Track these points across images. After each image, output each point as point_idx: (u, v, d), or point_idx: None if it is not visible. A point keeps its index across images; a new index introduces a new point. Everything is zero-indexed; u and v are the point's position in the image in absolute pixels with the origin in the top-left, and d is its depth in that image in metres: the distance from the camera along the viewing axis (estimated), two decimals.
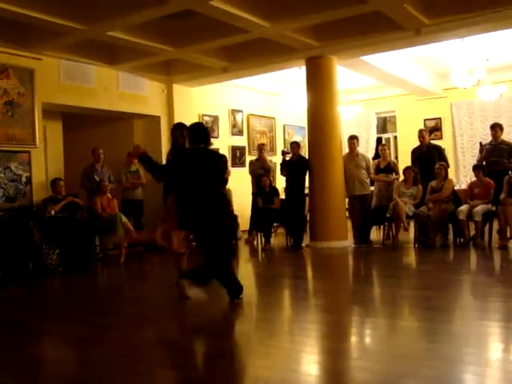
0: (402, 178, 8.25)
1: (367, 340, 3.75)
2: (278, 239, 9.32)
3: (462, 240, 7.50)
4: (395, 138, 13.10)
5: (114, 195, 8.17)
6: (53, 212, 7.15)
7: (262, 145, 9.64)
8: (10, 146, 7.30)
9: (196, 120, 10.21)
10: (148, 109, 9.30)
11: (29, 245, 6.62)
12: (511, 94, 10.84)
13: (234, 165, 10.98)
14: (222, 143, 10.81)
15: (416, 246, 7.68)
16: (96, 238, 7.81)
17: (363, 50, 8.08)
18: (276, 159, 10.30)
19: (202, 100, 10.26)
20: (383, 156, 8.63)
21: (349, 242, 8.24)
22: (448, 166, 8.21)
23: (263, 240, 8.57)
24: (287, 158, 8.64)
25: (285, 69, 9.29)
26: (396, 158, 12.02)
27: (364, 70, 9.54)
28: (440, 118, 12.19)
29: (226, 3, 6.07)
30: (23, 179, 7.46)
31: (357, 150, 8.52)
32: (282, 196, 8.88)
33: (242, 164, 10.99)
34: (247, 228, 9.04)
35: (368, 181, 8.46)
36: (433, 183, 7.74)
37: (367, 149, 12.56)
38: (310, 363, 3.25)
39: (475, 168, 7.80)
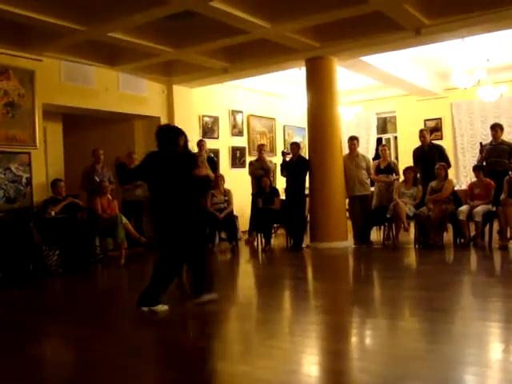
0: (402, 178, 8.25)
1: (368, 341, 3.75)
2: (279, 240, 9.32)
3: (462, 240, 7.50)
4: (395, 138, 13.10)
5: (115, 196, 8.16)
6: (53, 213, 7.15)
7: (262, 145, 9.64)
8: (11, 147, 7.31)
9: (196, 121, 10.25)
10: (148, 110, 9.31)
11: (29, 246, 6.62)
12: (511, 94, 10.84)
13: (233, 165, 11.02)
14: (222, 144, 10.83)
15: (416, 246, 7.68)
16: (96, 239, 7.81)
17: (363, 51, 8.08)
18: (276, 160, 10.31)
19: (202, 101, 10.27)
20: (383, 156, 8.63)
21: (349, 243, 8.24)
22: (449, 166, 8.22)
23: (263, 241, 8.58)
24: (287, 159, 8.64)
25: (285, 69, 9.30)
26: (396, 158, 12.02)
27: (364, 70, 9.55)
28: (440, 119, 12.19)
29: (226, 4, 6.08)
30: (23, 180, 7.46)
31: (357, 151, 8.52)
32: (282, 197, 8.88)
33: (242, 165, 10.99)
34: (247, 229, 9.04)
35: (368, 181, 8.46)
36: (433, 183, 7.74)
37: (367, 149, 12.56)
38: (311, 364, 3.25)
39: (475, 168, 7.80)
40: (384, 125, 13.56)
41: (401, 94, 12.10)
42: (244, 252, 8.53)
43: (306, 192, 8.55)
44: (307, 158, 8.56)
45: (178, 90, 9.65)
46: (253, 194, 9.09)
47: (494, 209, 7.24)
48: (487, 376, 2.82)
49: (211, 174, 4.93)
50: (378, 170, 8.49)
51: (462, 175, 11.78)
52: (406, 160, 9.94)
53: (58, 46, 7.38)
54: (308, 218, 8.65)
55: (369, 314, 4.34)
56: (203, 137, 9.99)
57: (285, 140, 12.35)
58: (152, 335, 3.97)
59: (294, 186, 8.44)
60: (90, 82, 8.35)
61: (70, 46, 7.40)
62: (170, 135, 4.75)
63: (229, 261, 8.05)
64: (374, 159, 9.55)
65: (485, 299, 4.65)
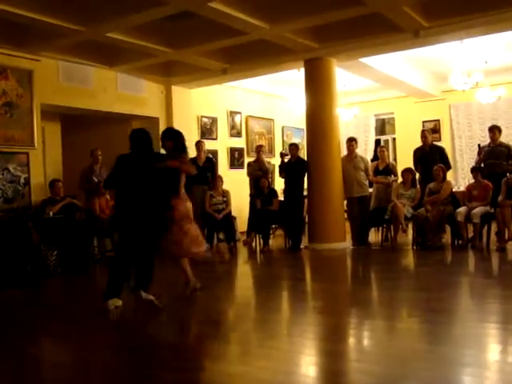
0: (400, 179, 8.26)
1: (366, 342, 3.75)
2: (277, 241, 9.32)
3: (460, 242, 7.51)
4: (394, 139, 13.11)
5: (113, 197, 8.15)
6: (51, 213, 7.14)
7: (261, 146, 9.63)
8: (9, 147, 7.30)
9: (195, 122, 10.25)
10: (147, 110, 9.31)
11: (27, 246, 6.61)
12: (510, 96, 10.85)
13: (232, 166, 11.01)
14: (221, 145, 10.83)
15: (414, 247, 7.69)
16: (94, 240, 7.80)
17: (362, 52, 8.09)
18: (274, 161, 10.31)
19: (200, 101, 10.27)
20: (382, 158, 8.64)
21: (347, 244, 8.24)
22: (450, 168, 8.23)
23: (262, 241, 8.58)
24: (286, 160, 8.64)
25: (283, 70, 9.30)
26: (394, 159, 12.02)
27: (363, 71, 9.55)
28: (438, 120, 12.20)
29: (225, 5, 6.08)
30: (22, 180, 7.45)
31: (355, 152, 8.53)
32: (281, 198, 8.88)
33: (241, 166, 10.99)
34: (245, 229, 9.04)
35: (366, 182, 8.47)
36: (431, 185, 7.75)
37: (366, 151, 12.57)
38: (309, 365, 3.25)
39: (473, 170, 7.81)
40: (382, 126, 13.57)
41: (399, 95, 12.11)
42: (242, 253, 8.53)
43: (305, 193, 8.55)
44: (306, 159, 8.57)
45: (177, 90, 9.65)
46: (251, 195, 9.09)
47: (492, 210, 7.26)
48: (485, 377, 2.82)
49: (185, 168, 4.92)
50: (377, 172, 8.50)
51: (460, 177, 11.80)
52: (404, 161, 9.95)
53: (56, 46, 7.37)
54: (306, 219, 8.65)
55: (367, 315, 4.34)
56: (202, 137, 9.99)
57: (283, 141, 12.34)
58: (150, 335, 3.96)
59: (292, 187, 8.44)
60: (89, 82, 8.34)
61: (68, 46, 7.39)
62: (142, 138, 4.84)
63: (227, 261, 8.05)
64: (372, 160, 9.55)
65: (483, 300, 4.66)
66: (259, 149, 9.44)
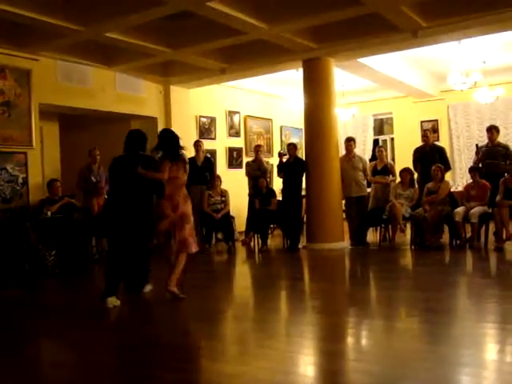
0: (398, 179, 8.27)
1: (364, 342, 3.76)
2: (275, 241, 9.33)
3: (458, 242, 7.52)
4: (392, 139, 13.12)
5: None
6: (49, 213, 7.13)
7: (259, 146, 9.64)
8: (7, 146, 7.28)
9: (193, 121, 10.25)
10: (145, 110, 9.30)
11: (25, 246, 6.61)
12: (508, 96, 10.87)
13: (230, 166, 11.02)
14: (219, 144, 10.83)
15: (412, 247, 7.70)
16: (92, 240, 7.80)
17: (360, 52, 8.09)
18: (273, 161, 10.31)
19: (199, 101, 10.27)
20: (380, 158, 8.65)
21: (345, 244, 8.25)
22: (449, 169, 8.24)
23: (260, 241, 8.58)
24: (284, 160, 8.64)
25: (282, 70, 9.30)
26: (393, 159, 12.02)
27: (361, 71, 9.56)
28: (437, 120, 12.22)
29: (224, 5, 6.08)
30: (20, 180, 7.44)
31: (354, 152, 8.54)
32: (279, 197, 8.88)
33: (239, 165, 11.00)
34: (244, 229, 9.04)
35: (365, 182, 8.48)
36: (429, 185, 7.76)
37: (364, 151, 12.59)
38: (308, 365, 3.26)
39: (471, 170, 7.83)
40: (381, 126, 13.58)
41: (397, 95, 12.12)
42: (241, 253, 8.53)
43: (303, 193, 8.56)
44: (304, 159, 8.57)
45: (175, 90, 9.65)
46: (249, 195, 9.09)
47: (490, 210, 7.27)
48: (484, 377, 2.83)
49: (159, 176, 4.93)
50: (375, 172, 8.51)
51: (458, 177, 11.82)
52: (402, 161, 9.95)
53: (54, 46, 7.36)
54: (304, 219, 8.65)
55: (365, 315, 4.35)
56: (200, 137, 9.99)
57: (282, 141, 12.35)
58: (148, 335, 3.96)
59: (290, 186, 8.44)
60: (87, 82, 8.33)
61: (66, 45, 7.38)
62: (133, 140, 5.03)
63: (225, 261, 8.05)
64: (370, 160, 9.58)
65: (481, 300, 4.67)
66: (258, 149, 9.44)
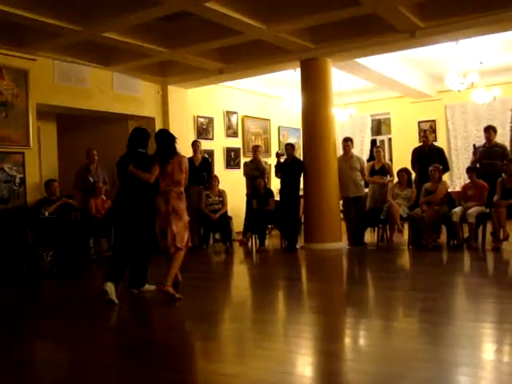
0: (396, 179, 8.27)
1: (361, 341, 3.76)
2: (273, 241, 9.33)
3: (455, 242, 7.53)
4: (390, 140, 13.13)
5: (109, 197, 8.14)
6: (47, 213, 7.12)
7: (257, 146, 9.63)
8: (4, 147, 7.27)
9: (191, 121, 10.25)
10: (143, 110, 9.30)
11: (22, 246, 6.59)
12: (505, 96, 10.90)
13: (228, 166, 11.02)
14: (217, 145, 10.83)
15: (410, 247, 7.71)
16: (90, 240, 7.79)
17: (358, 52, 8.10)
18: (271, 161, 10.30)
19: (196, 101, 10.27)
20: (378, 158, 8.65)
21: (343, 244, 8.25)
22: (448, 169, 8.25)
23: (258, 241, 8.58)
24: (282, 160, 8.65)
25: (280, 71, 9.31)
26: (390, 159, 12.06)
27: (358, 72, 9.57)
28: (434, 121, 12.24)
29: (221, 5, 6.08)
30: (17, 180, 7.43)
31: (351, 152, 8.55)
32: (277, 198, 8.88)
33: (237, 166, 11.00)
34: (242, 229, 9.04)
35: (362, 183, 8.49)
36: (427, 185, 7.77)
37: (362, 151, 12.60)
38: (305, 365, 3.26)
39: (469, 170, 7.84)
40: (378, 126, 13.60)
41: (395, 95, 12.14)
42: (238, 253, 8.53)
43: (301, 193, 8.56)
44: (302, 159, 8.58)
45: (173, 90, 9.65)
46: (247, 195, 9.09)
47: (488, 210, 7.28)
48: (480, 377, 2.83)
49: (146, 177, 5.02)
50: (372, 172, 8.51)
51: (455, 177, 11.84)
52: (400, 161, 9.98)
53: (52, 46, 7.36)
54: (302, 219, 8.66)
55: (363, 315, 4.35)
56: (198, 137, 9.99)
57: (279, 141, 12.36)
58: (144, 335, 3.96)
59: (288, 187, 8.44)
60: (85, 81, 8.32)
61: (64, 45, 7.38)
62: (133, 138, 5.21)
63: (223, 262, 8.05)
64: (368, 161, 9.58)
65: (478, 300, 4.67)
66: (256, 149, 9.44)
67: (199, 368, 3.33)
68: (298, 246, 8.32)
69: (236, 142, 11.35)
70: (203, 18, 6.42)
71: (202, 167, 8.74)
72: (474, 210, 7.27)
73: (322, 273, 6.68)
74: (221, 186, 8.81)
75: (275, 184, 9.54)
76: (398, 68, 10.07)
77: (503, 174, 7.50)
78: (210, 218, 8.38)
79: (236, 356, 3.49)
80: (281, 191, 8.66)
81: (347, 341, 3.79)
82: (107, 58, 8.21)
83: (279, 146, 12.04)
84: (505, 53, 9.41)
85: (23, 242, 6.62)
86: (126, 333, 4.06)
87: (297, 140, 11.69)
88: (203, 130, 10.58)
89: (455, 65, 9.23)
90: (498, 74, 10.57)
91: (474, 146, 8.53)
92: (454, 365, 3.01)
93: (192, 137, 9.83)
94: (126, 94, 8.96)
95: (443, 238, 7.81)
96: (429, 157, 8.10)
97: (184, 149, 5.53)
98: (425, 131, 8.72)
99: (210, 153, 10.31)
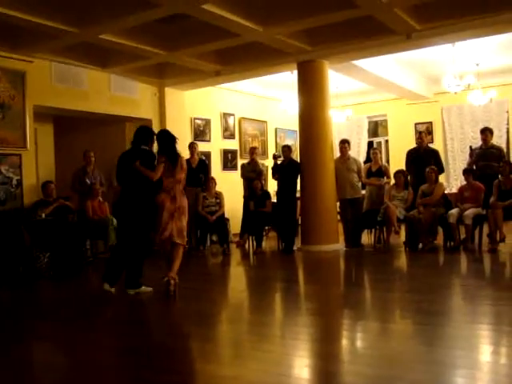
0: (393, 181, 8.29)
1: (358, 343, 3.76)
2: (270, 243, 9.33)
3: (452, 243, 7.55)
4: (386, 141, 13.15)
5: (106, 198, 8.14)
6: (43, 215, 7.11)
7: (254, 148, 9.64)
8: (1, 148, 7.26)
9: (188, 123, 10.25)
10: (140, 112, 9.29)
11: (19, 248, 6.58)
12: (501, 98, 10.93)
13: (225, 168, 11.02)
14: (214, 146, 10.83)
15: (407, 249, 7.72)
16: (87, 242, 7.77)
17: (354, 54, 8.12)
18: (268, 163, 10.31)
19: (193, 103, 10.27)
20: (374, 160, 8.66)
21: (340, 246, 8.26)
22: (443, 171, 8.27)
23: (255, 243, 8.58)
24: (278, 162, 8.65)
25: (277, 73, 9.32)
26: (387, 161, 12.06)
27: (355, 74, 9.59)
28: (431, 122, 12.26)
29: (218, 7, 6.09)
30: (14, 182, 7.41)
31: (348, 154, 8.56)
32: (274, 199, 8.89)
33: (234, 167, 11.00)
34: (239, 231, 9.04)
35: (359, 184, 8.50)
36: (423, 187, 7.79)
37: (359, 153, 12.62)
38: (302, 367, 3.26)
39: (465, 172, 7.86)
40: (375, 128, 13.62)
41: (392, 97, 12.16)
42: (235, 255, 8.53)
43: (298, 195, 8.57)
44: (299, 160, 8.58)
45: (170, 92, 9.65)
46: (244, 197, 9.09)
47: (484, 212, 7.30)
48: (477, 378, 2.84)
49: (151, 175, 5.11)
50: (369, 174, 8.53)
51: (452, 178, 11.87)
52: (396, 163, 9.99)
53: (49, 48, 7.35)
54: (299, 221, 8.66)
55: (360, 317, 4.35)
56: (195, 139, 9.99)
57: (276, 143, 12.36)
58: (141, 337, 3.95)
59: (285, 188, 8.45)
60: (82, 83, 8.32)
61: (61, 47, 7.37)
62: (138, 135, 5.31)
63: (220, 263, 8.05)
64: (365, 162, 9.59)
65: (475, 302, 4.69)
66: (253, 151, 9.44)
67: (197, 370, 3.32)
68: (294, 248, 8.33)
69: (233, 144, 11.36)
70: (200, 20, 6.43)
71: (198, 169, 8.73)
72: (470, 212, 7.28)
73: (319, 275, 6.68)
74: (218, 188, 8.81)
75: (272, 186, 9.54)
76: (394, 70, 10.09)
77: (499, 176, 7.52)
78: (206, 220, 8.38)
79: (234, 358, 3.49)
80: (278, 193, 8.66)
81: (344, 343, 3.79)
82: (104, 60, 8.20)
83: (276, 147, 12.04)
84: (501, 55, 9.44)
85: (20, 244, 6.61)
86: (124, 334, 4.05)
87: (294, 142, 11.69)
88: (200, 131, 10.58)
89: (452, 67, 9.26)
90: (495, 76, 10.61)
91: (471, 147, 8.57)
92: (451, 366, 3.02)
93: (189, 139, 9.82)
94: (123, 95, 8.96)
95: (440, 239, 7.83)
96: (424, 158, 8.12)
97: (181, 150, 5.55)
98: (420, 133, 8.77)
99: (207, 154, 10.31)
